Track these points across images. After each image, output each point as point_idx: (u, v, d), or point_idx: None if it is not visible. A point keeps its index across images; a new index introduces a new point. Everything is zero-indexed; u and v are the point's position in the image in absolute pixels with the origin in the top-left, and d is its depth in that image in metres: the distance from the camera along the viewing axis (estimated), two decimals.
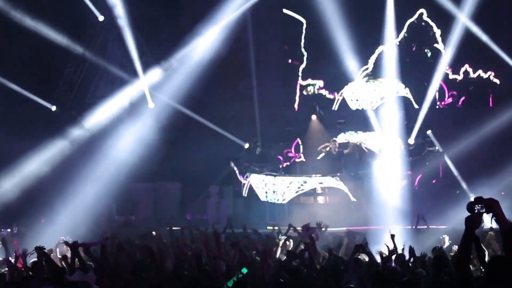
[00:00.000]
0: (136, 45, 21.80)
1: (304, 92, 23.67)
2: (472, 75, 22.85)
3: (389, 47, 22.41)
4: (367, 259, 9.32)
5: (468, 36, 21.34)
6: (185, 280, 7.71)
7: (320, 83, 23.62)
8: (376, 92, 22.81)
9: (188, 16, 23.19)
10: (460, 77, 22.86)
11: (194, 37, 21.58)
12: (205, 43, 21.60)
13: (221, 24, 21.61)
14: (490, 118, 20.50)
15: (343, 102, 23.11)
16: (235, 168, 21.05)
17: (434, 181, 20.71)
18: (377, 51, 22.87)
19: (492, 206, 4.60)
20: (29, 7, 20.53)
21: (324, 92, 23.56)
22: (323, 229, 12.18)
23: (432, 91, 22.03)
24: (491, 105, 22.75)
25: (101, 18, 22.42)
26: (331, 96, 23.41)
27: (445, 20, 21.87)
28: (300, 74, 23.63)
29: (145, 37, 22.35)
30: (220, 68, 22.24)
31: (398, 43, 22.76)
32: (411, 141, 21.13)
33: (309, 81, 23.67)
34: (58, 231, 13.72)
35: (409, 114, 21.70)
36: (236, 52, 22.78)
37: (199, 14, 21.84)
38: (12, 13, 20.31)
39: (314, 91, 23.62)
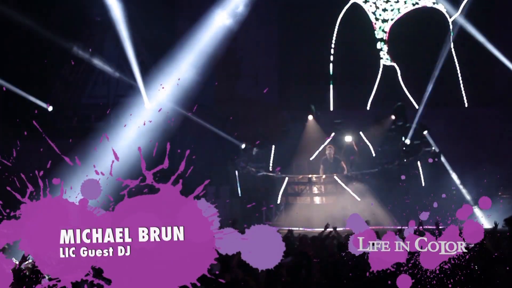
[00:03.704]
0: (132, 45, 21.73)
1: None
2: None
3: None
4: None
5: None
6: None
7: None
8: None
9: (185, 15, 23.15)
10: None
11: (190, 37, 21.54)
12: (201, 43, 21.56)
13: (217, 24, 21.57)
14: (488, 119, 20.50)
15: (340, 101, 23.05)
16: None
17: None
18: None
19: None
20: (26, 6, 20.46)
21: None
22: None
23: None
24: None
25: (97, 18, 22.37)
26: None
27: None
28: None
29: (142, 37, 22.28)
30: (217, 68, 22.19)
31: None
32: (407, 141, 21.09)
33: None
34: None
35: (406, 114, 21.67)
36: (233, 52, 22.73)
37: (195, 14, 21.82)
38: (8, 12, 20.23)
39: None
